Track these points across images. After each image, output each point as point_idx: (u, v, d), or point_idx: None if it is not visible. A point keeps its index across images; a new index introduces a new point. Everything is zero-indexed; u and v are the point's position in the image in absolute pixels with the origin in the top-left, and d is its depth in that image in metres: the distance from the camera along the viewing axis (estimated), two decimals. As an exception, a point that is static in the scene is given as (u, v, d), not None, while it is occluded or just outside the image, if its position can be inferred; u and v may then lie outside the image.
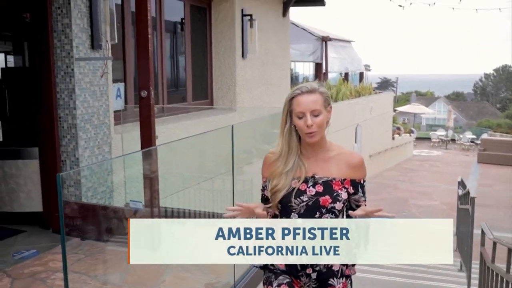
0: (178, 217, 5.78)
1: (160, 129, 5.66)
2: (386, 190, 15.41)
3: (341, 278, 2.27)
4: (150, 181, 4.84)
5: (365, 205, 2.30)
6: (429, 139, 31.12)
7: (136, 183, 5.34)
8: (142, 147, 4.87)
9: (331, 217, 2.24)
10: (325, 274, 2.25)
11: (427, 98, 68.31)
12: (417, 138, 30.04)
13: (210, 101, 8.41)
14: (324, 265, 2.23)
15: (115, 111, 5.57)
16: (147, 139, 4.75)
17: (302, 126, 2.22)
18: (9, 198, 5.20)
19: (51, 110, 4.93)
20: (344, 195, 2.26)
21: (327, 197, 2.24)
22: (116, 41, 5.15)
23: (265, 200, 2.41)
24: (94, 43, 5.04)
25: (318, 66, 16.00)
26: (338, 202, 2.25)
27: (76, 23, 4.85)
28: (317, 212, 2.23)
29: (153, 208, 4.96)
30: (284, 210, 2.27)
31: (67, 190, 5.05)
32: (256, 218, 2.33)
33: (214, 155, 6.62)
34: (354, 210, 2.27)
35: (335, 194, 2.25)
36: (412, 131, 27.09)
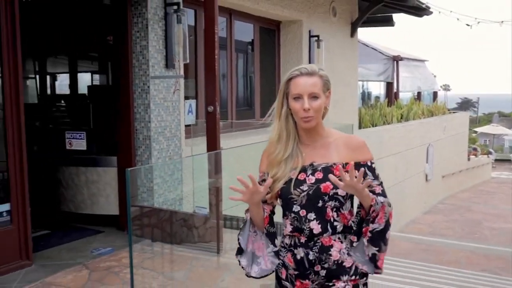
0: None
1: (228, 143, 6.07)
2: (458, 212, 15.05)
3: (353, 276, 2.10)
4: (215, 189, 5.24)
5: (381, 190, 2.12)
6: (510, 161, 29.91)
7: (203, 192, 5.76)
8: (208, 158, 5.31)
9: (335, 204, 2.09)
10: (335, 271, 2.09)
11: (511, 119, 65.49)
12: (497, 160, 28.95)
13: (277, 118, 8.76)
14: (334, 261, 2.09)
15: (186, 126, 6.04)
16: (213, 150, 5.16)
17: (299, 109, 2.08)
18: (91, 202, 5.78)
19: (128, 123, 5.46)
20: None
21: (328, 183, 2.06)
22: (188, 61, 5.62)
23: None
24: (168, 63, 5.54)
25: (389, 85, 16.01)
26: None
27: (153, 45, 5.37)
28: (320, 201, 2.09)
29: (218, 218, 5.35)
30: (285, 203, 2.16)
31: (141, 196, 5.55)
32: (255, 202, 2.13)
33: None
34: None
35: (337, 178, 2.04)
36: (490, 153, 26.17)
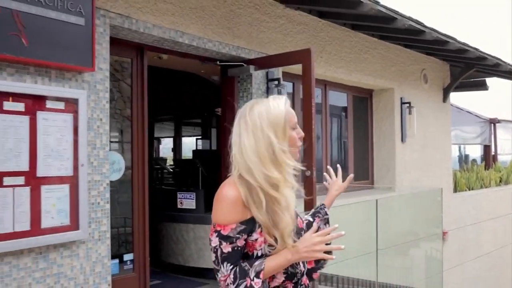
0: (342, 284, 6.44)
1: (322, 204, 6.46)
2: None
3: None
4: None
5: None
6: None
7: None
8: (304, 218, 5.74)
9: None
10: None
11: None
12: None
13: (370, 181, 9.05)
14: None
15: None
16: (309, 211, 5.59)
17: (297, 139, 2.04)
18: (197, 256, 6.37)
19: (233, 185, 6.03)
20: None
21: (298, 218, 2.15)
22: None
23: (243, 255, 1.88)
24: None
25: (487, 148, 15.72)
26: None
27: (256, 115, 5.99)
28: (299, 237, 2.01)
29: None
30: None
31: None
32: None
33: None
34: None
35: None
36: None
